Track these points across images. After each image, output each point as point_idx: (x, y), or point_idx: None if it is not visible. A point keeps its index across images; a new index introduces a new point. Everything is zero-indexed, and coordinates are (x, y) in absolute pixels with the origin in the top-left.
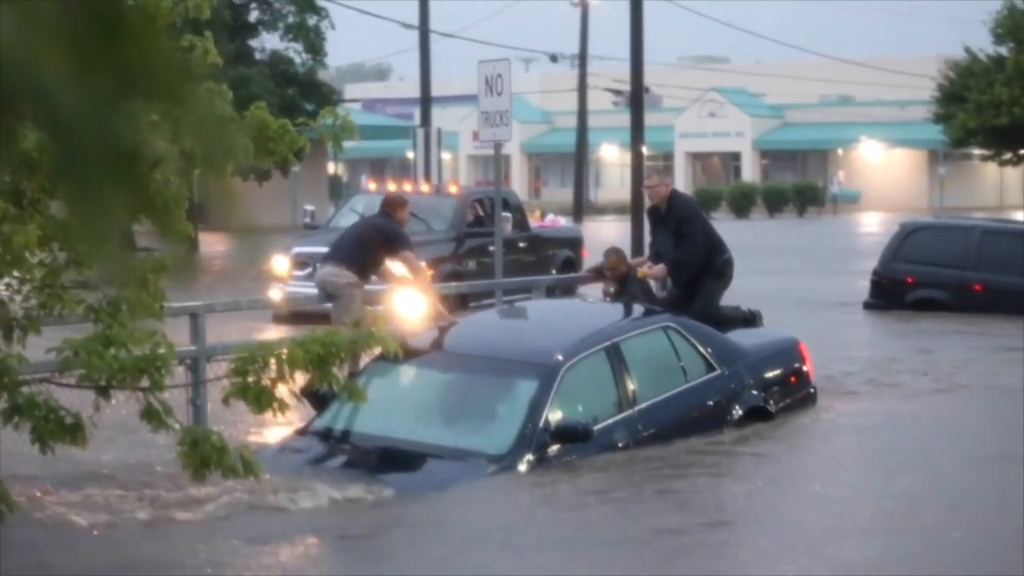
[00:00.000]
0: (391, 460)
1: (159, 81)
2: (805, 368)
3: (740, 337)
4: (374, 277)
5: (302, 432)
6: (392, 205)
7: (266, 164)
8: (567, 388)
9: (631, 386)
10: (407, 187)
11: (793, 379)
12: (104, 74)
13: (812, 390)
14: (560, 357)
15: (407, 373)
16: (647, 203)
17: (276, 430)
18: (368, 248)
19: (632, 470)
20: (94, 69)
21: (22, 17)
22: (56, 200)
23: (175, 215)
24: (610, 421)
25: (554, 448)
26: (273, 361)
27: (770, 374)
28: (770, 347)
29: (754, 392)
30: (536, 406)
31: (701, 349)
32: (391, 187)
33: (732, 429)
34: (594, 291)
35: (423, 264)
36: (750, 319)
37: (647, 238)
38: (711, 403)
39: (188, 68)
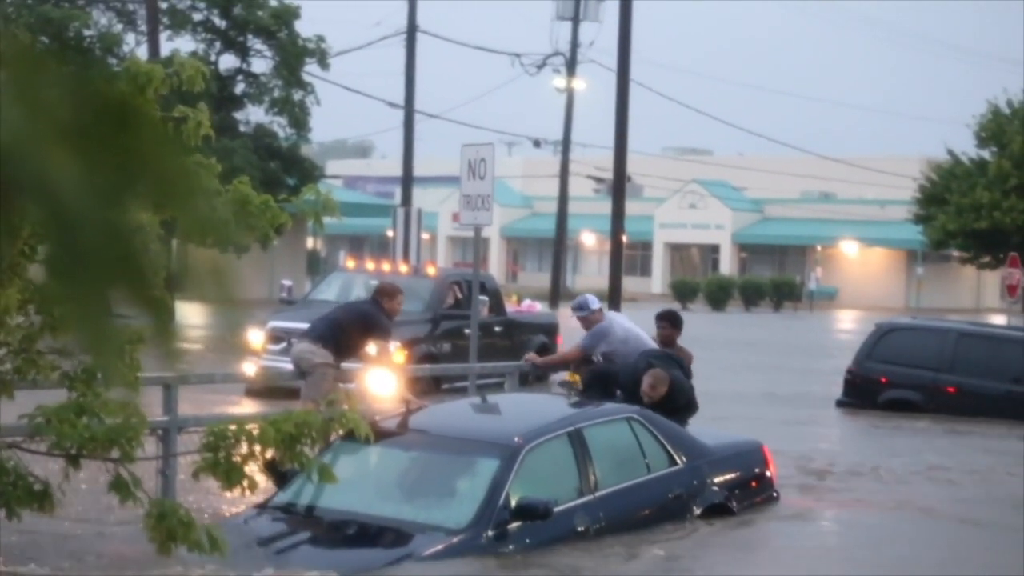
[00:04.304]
0: (351, 534)
1: (164, 173)
2: (768, 473)
3: (704, 437)
4: (351, 359)
5: (262, 506)
6: (382, 294)
7: (247, 239)
8: (528, 469)
9: (592, 472)
10: (385, 266)
11: (755, 483)
12: (108, 168)
13: (775, 494)
14: (521, 439)
15: (372, 450)
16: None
17: (242, 501)
18: (347, 332)
19: (585, 553)
20: (99, 163)
21: (25, 110)
22: (35, 265)
23: (152, 284)
24: (570, 504)
25: (514, 525)
26: (244, 438)
27: (732, 475)
28: (734, 447)
29: (715, 489)
30: (497, 484)
31: (664, 442)
32: (368, 264)
33: (691, 523)
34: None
35: (395, 357)
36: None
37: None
38: (671, 496)
39: (189, 156)
